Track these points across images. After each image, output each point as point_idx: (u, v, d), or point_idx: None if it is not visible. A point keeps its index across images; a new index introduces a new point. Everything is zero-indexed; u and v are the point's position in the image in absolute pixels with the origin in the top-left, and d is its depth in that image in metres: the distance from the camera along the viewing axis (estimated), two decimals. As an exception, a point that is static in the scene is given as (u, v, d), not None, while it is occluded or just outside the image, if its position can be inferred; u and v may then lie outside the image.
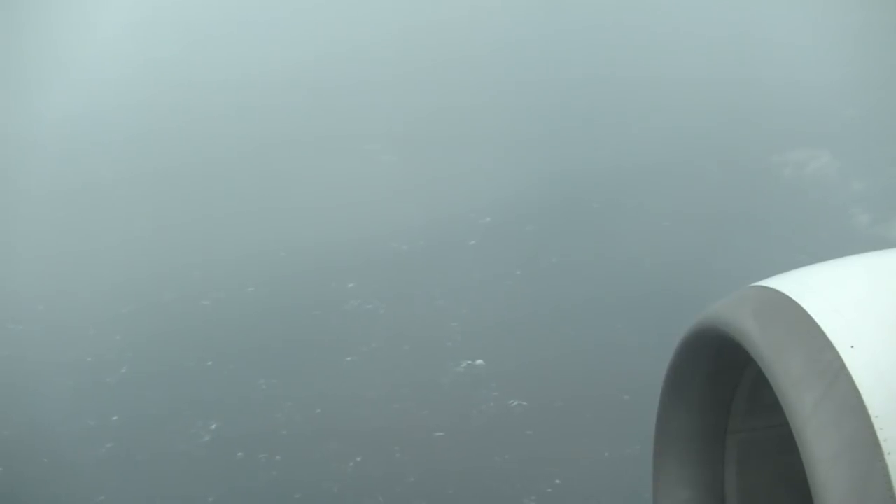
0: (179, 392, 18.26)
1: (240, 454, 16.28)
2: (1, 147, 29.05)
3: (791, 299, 3.02)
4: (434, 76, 33.79)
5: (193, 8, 43.80)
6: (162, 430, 17.00)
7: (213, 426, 17.05)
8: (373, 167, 28.49)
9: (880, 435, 2.67)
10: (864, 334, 2.85)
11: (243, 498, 15.28)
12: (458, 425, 16.88)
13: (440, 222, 24.70)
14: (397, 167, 28.54)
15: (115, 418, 17.53)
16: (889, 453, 2.65)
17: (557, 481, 15.62)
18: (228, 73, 35.67)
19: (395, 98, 32.73)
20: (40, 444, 16.79)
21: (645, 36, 34.28)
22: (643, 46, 33.38)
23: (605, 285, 21.19)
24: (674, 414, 3.65)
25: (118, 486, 15.70)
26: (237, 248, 23.69)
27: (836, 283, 3.12)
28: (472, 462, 15.96)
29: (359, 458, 16.00)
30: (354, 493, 15.28)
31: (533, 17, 37.86)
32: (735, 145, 25.95)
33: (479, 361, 18.96)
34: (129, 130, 31.07)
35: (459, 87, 32.91)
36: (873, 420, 2.69)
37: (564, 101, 30.95)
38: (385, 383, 18.11)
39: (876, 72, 26.52)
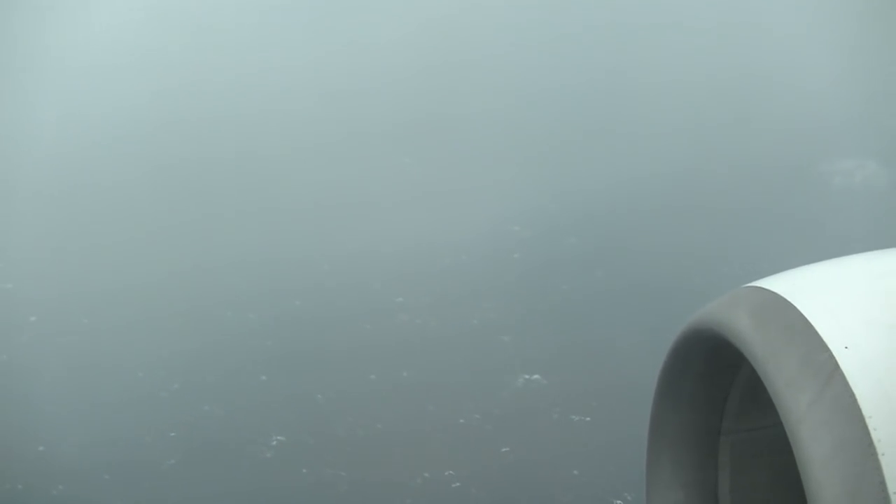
0: (235, 407, 18.05)
1: (304, 470, 16.06)
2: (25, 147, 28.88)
3: (785, 299, 3.05)
4: (461, 86, 33.66)
5: (202, 7, 43.54)
6: (223, 447, 16.77)
7: (274, 442, 16.82)
8: (404, 178, 28.34)
9: (874, 435, 2.65)
10: (859, 335, 2.85)
11: (316, 516, 15.08)
12: (524, 441, 16.71)
13: (480, 235, 24.57)
14: (428, 178, 28.40)
15: (172, 434, 17.29)
16: (883, 454, 2.63)
17: (628, 497, 15.47)
18: (247, 77, 35.48)
19: (423, 107, 32.62)
20: (98, 461, 16.56)
21: (684, 45, 34.24)
22: (682, 55, 33.34)
23: (657, 300, 21.03)
24: (667, 415, 3.77)
25: (184, 504, 15.48)
26: (279, 263, 23.50)
27: (830, 283, 3.18)
28: (541, 478, 15.80)
29: (427, 475, 15.80)
30: (426, 510, 15.09)
31: (559, 20, 37.77)
32: (780, 155, 25.91)
33: (536, 376, 18.78)
34: (152, 147, 30.82)
35: (486, 98, 32.80)
36: (867, 420, 2.67)
37: (597, 107, 30.88)
38: (444, 398, 17.93)
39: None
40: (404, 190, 27.02)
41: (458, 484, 15.45)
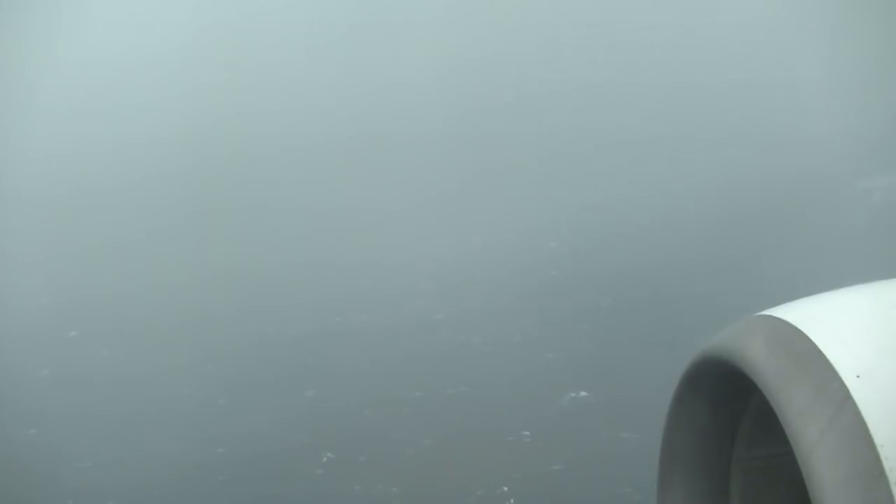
0: (282, 424, 17.98)
1: (357, 487, 15.96)
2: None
3: (796, 328, 3.02)
4: (500, 102, 33.70)
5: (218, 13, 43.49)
6: (272, 464, 16.67)
7: (325, 459, 16.74)
8: (441, 195, 28.37)
9: (886, 464, 2.66)
10: (871, 364, 2.84)
11: (371, 533, 14.99)
12: (575, 458, 16.56)
13: (514, 252, 24.55)
14: (456, 197, 28.40)
15: (220, 451, 17.23)
16: (895, 483, 2.64)
17: (684, 516, 15.27)
18: (287, 87, 35.54)
19: (461, 121, 32.69)
20: (147, 478, 16.49)
21: (721, 58, 34.23)
22: (719, 69, 33.34)
23: (698, 314, 20.83)
24: (678, 442, 3.77)
25: (237, 522, 15.40)
26: (320, 279, 23.54)
27: (842, 312, 3.13)
28: (595, 496, 15.65)
29: (479, 493, 15.69)
30: (481, 528, 14.98)
31: (596, 34, 37.77)
32: (821, 170, 25.84)
33: (583, 393, 18.67)
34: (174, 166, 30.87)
35: (524, 113, 32.84)
36: (879, 449, 2.69)
37: (635, 121, 30.87)
38: (492, 416, 17.83)
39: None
40: (441, 206, 27.05)
41: (513, 500, 15.34)
